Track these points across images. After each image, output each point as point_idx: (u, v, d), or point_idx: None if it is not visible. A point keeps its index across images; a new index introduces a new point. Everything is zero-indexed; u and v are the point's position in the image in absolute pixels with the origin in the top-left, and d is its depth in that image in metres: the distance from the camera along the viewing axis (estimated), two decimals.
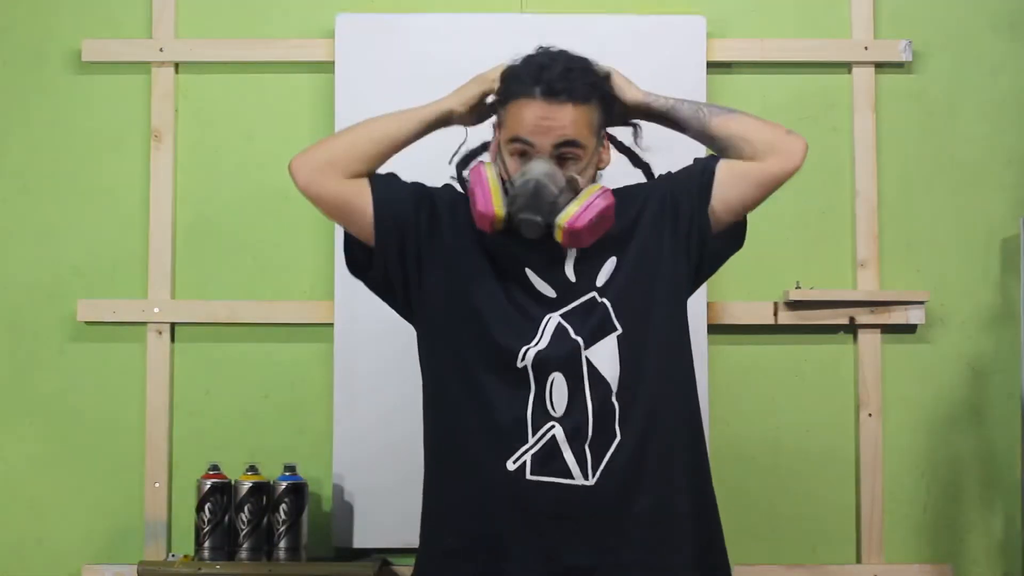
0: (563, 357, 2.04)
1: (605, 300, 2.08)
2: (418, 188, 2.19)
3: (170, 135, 3.02)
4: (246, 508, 2.79)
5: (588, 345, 2.05)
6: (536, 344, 2.05)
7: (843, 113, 3.05)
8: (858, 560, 2.98)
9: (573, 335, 2.05)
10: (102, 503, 2.97)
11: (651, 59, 2.92)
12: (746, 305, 2.99)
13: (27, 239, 3.03)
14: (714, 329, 2.95)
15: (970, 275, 3.04)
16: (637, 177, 2.29)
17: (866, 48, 3.03)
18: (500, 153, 2.12)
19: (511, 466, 2.02)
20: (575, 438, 2.02)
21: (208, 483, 2.80)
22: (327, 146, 2.20)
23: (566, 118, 2.05)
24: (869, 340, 3.00)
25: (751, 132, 2.15)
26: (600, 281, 2.10)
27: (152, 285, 2.99)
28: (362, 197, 2.14)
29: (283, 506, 2.79)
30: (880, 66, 3.05)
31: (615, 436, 2.03)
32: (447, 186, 2.24)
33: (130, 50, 3.03)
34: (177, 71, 3.04)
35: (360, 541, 2.90)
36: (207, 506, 2.79)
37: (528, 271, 2.08)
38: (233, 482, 2.82)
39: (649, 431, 2.05)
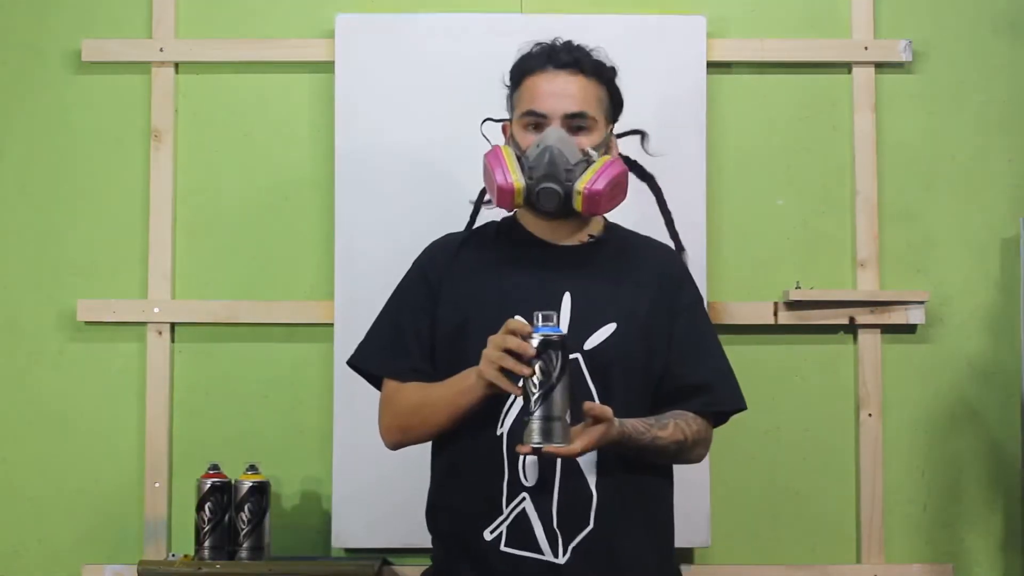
0: None
1: (588, 376, 2.07)
2: (416, 292, 2.20)
3: (170, 135, 3.02)
4: (246, 508, 2.79)
5: None
6: (513, 403, 2.06)
7: (843, 113, 3.05)
8: (858, 560, 2.98)
9: None
10: (102, 503, 2.97)
11: (651, 59, 2.93)
12: (746, 305, 2.99)
13: (27, 239, 3.03)
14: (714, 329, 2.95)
15: (970, 275, 3.03)
16: (643, 190, 2.32)
17: (866, 48, 3.03)
18: (513, 137, 2.16)
19: (488, 536, 2.04)
20: (545, 513, 2.03)
21: (208, 483, 2.80)
22: (416, 432, 2.18)
23: (574, 87, 2.12)
24: (869, 340, 2.99)
25: (692, 445, 2.12)
26: (589, 344, 2.09)
27: (152, 285, 2.99)
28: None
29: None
30: (880, 66, 3.05)
31: (587, 523, 2.03)
32: (445, 236, 2.28)
33: (130, 50, 3.03)
34: (177, 71, 3.04)
35: (360, 541, 2.90)
36: (207, 506, 2.79)
37: (518, 319, 2.07)
38: (233, 482, 2.82)
39: (624, 524, 2.06)
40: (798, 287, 2.97)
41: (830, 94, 3.05)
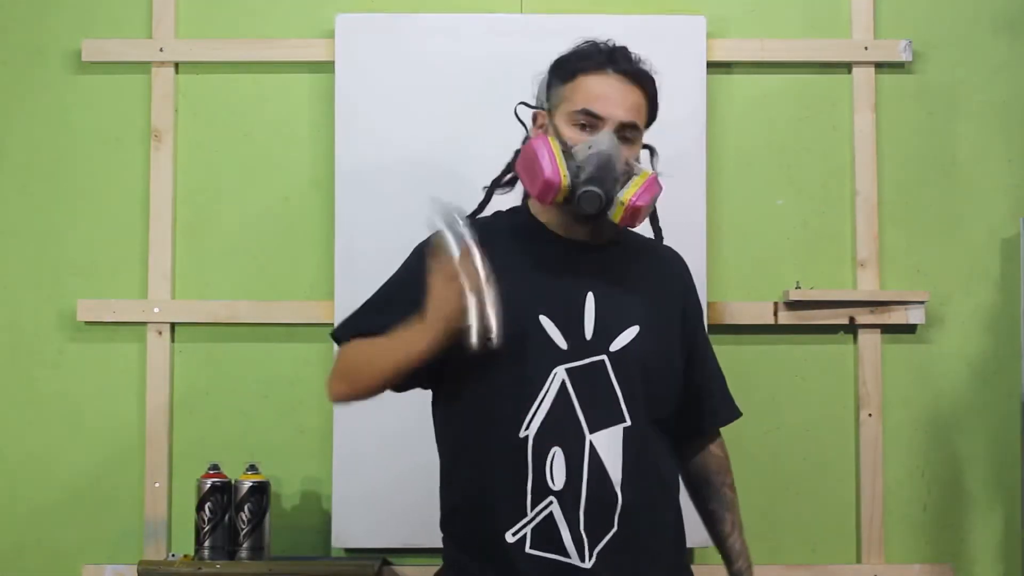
0: (566, 436, 2.02)
1: (614, 378, 2.06)
2: (415, 286, 2.09)
3: (170, 135, 3.02)
4: (246, 508, 2.79)
5: (593, 430, 2.03)
6: (539, 406, 2.03)
7: (843, 113, 3.05)
8: (858, 560, 2.98)
9: (578, 410, 2.03)
10: (102, 503, 2.97)
11: (651, 59, 2.92)
12: (746, 305, 2.99)
13: (27, 239, 3.03)
14: (714, 329, 2.94)
15: (970, 275, 3.04)
16: None
17: (866, 48, 3.03)
18: (557, 130, 2.08)
19: (511, 538, 2.02)
20: (572, 517, 2.02)
21: (208, 483, 2.80)
22: (361, 381, 2.13)
23: (633, 97, 2.08)
24: (869, 340, 3.00)
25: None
26: (615, 347, 2.07)
27: (152, 285, 2.99)
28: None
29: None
30: (880, 66, 3.05)
31: (612, 526, 2.02)
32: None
33: (130, 50, 3.03)
34: (177, 71, 3.04)
35: (360, 541, 2.90)
36: (207, 506, 2.79)
37: (543, 318, 2.05)
38: (233, 482, 2.82)
39: (646, 526, 2.06)
40: (798, 287, 2.97)
41: (830, 94, 3.05)
